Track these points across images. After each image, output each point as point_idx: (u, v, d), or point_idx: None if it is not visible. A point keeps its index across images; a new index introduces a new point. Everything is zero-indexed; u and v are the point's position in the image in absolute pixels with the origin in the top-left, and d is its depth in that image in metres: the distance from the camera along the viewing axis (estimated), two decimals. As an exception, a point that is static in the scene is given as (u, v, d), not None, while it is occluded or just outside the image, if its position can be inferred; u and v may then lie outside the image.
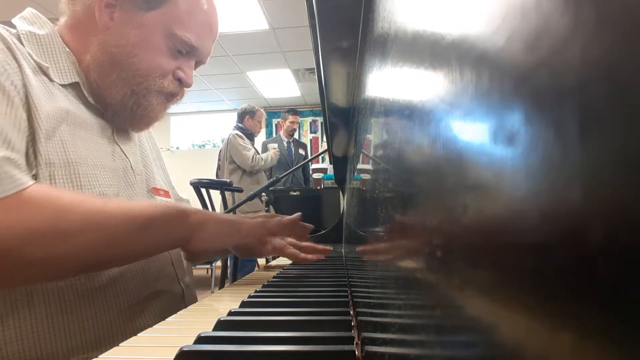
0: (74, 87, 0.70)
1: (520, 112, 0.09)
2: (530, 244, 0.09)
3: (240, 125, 3.80)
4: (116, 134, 0.76)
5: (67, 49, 0.71)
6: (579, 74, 0.07)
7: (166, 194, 0.87)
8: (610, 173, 0.06)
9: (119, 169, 0.73)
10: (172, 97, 0.78)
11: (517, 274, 0.10)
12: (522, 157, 0.09)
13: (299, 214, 0.92)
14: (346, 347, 0.39)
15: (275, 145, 4.03)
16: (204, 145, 7.03)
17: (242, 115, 3.84)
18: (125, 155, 0.76)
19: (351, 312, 0.52)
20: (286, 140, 4.27)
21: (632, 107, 0.06)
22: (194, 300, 0.84)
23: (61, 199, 0.55)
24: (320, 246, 1.01)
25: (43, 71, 0.66)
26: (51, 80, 0.66)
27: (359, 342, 0.41)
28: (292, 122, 4.25)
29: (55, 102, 0.64)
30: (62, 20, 0.74)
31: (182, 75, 0.77)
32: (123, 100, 0.73)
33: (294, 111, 4.29)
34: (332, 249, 1.05)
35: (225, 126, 6.80)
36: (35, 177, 0.58)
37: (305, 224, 0.98)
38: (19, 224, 0.52)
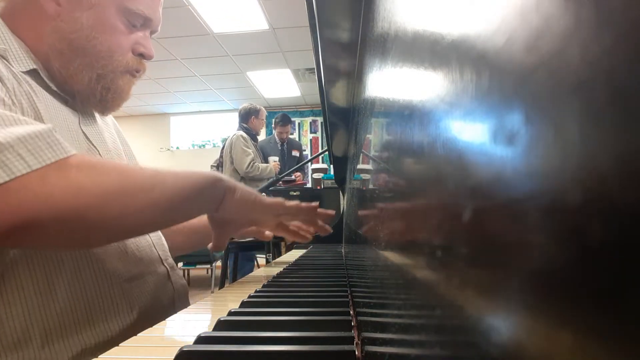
0: (32, 74, 0.68)
1: (520, 112, 0.09)
2: (530, 244, 0.09)
3: (245, 125, 3.74)
4: (82, 120, 0.75)
5: (16, 37, 0.69)
6: (579, 74, 0.07)
7: None
8: (610, 173, 0.06)
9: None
10: (136, 72, 0.77)
11: (517, 274, 0.10)
12: (522, 157, 0.09)
13: (316, 203, 0.91)
14: (346, 347, 0.39)
15: (277, 158, 3.97)
16: (203, 145, 7.03)
17: (248, 115, 3.77)
18: (92, 144, 0.75)
19: (351, 312, 0.52)
20: (279, 143, 4.23)
21: (631, 107, 0.06)
22: (180, 280, 0.84)
23: (114, 163, 0.57)
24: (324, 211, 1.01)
25: (2, 56, 0.64)
26: (10, 65, 0.65)
27: (359, 342, 0.41)
28: (280, 132, 4.17)
29: (24, 89, 0.63)
30: (2, 6, 0.72)
31: (142, 49, 0.76)
32: (90, 85, 0.72)
33: (284, 121, 4.14)
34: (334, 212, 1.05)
35: (225, 126, 6.80)
36: None
37: (327, 210, 0.97)
38: (92, 184, 0.53)
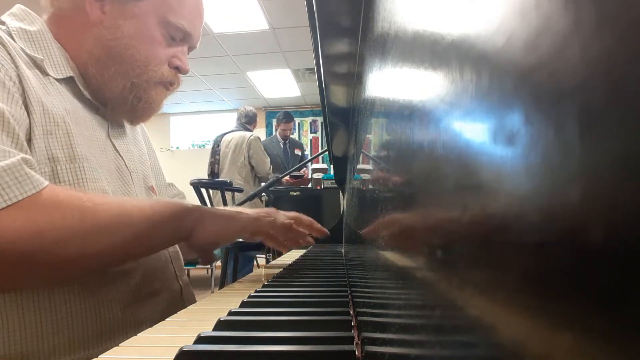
0: (68, 81, 0.69)
1: (520, 112, 0.09)
2: (530, 244, 0.09)
3: (249, 128, 3.78)
4: (111, 130, 0.76)
5: (59, 44, 0.70)
6: (579, 74, 0.07)
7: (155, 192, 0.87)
8: (610, 173, 0.06)
9: (113, 167, 0.73)
10: (170, 85, 0.78)
11: (517, 274, 0.10)
12: (522, 157, 0.09)
13: (293, 220, 0.89)
14: (346, 347, 0.39)
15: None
16: (203, 145, 7.03)
17: (251, 120, 3.82)
18: (119, 154, 0.75)
19: (351, 312, 0.52)
20: (282, 141, 4.28)
21: (631, 107, 0.06)
22: (192, 298, 0.84)
23: (82, 198, 0.56)
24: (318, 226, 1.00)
25: (37, 65, 0.65)
26: (46, 74, 0.66)
27: (359, 342, 0.41)
28: (284, 130, 4.23)
29: (52, 96, 0.64)
30: (45, 16, 0.73)
31: (178, 63, 0.76)
32: (123, 94, 0.73)
33: (287, 118, 4.22)
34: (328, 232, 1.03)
35: (225, 126, 6.80)
36: None
37: (320, 228, 0.97)
38: (47, 224, 0.52)
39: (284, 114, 4.26)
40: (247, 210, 0.83)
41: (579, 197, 0.07)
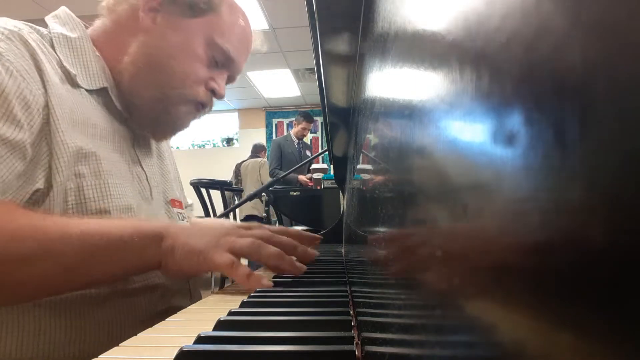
0: (100, 92, 0.69)
1: (520, 112, 0.09)
2: (530, 244, 0.09)
3: (260, 156, 4.72)
4: (136, 143, 0.75)
5: (97, 54, 0.70)
6: (579, 74, 0.07)
7: (180, 205, 0.85)
8: (610, 173, 0.06)
9: (135, 180, 0.72)
10: (202, 107, 0.77)
11: (517, 274, 0.10)
12: (522, 157, 0.09)
13: (279, 233, 0.74)
14: (346, 347, 0.39)
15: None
16: (203, 145, 7.03)
17: (259, 149, 4.84)
18: (142, 167, 0.75)
19: (351, 312, 0.52)
20: (296, 140, 4.44)
21: (631, 107, 0.06)
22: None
23: (17, 223, 0.53)
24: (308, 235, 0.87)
25: (71, 78, 0.65)
26: (78, 86, 0.66)
27: (359, 342, 0.41)
28: (304, 129, 4.58)
29: (82, 110, 0.64)
30: (99, 22, 0.73)
31: (215, 86, 0.76)
32: (151, 103, 0.72)
33: (309, 119, 4.50)
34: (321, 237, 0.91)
35: (225, 126, 6.80)
36: (50, 190, 0.57)
37: (310, 236, 0.86)
38: None
39: (305, 114, 4.62)
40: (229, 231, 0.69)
41: (579, 197, 0.07)
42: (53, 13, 0.71)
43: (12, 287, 0.53)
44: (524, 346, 0.09)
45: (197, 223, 0.85)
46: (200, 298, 0.84)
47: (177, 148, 6.96)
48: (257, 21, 4.02)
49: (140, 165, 0.75)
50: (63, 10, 0.72)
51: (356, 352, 0.38)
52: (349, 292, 0.67)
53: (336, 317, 0.50)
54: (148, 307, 0.68)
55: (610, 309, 0.06)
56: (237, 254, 0.65)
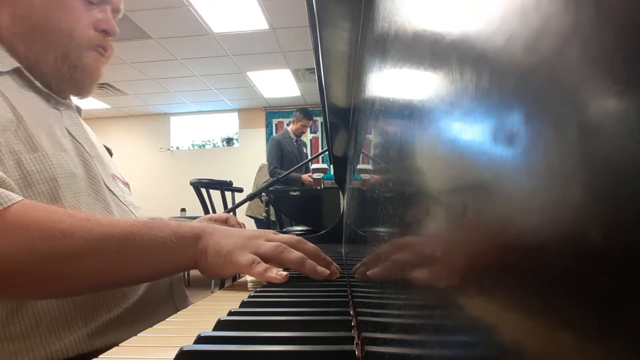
0: (13, 73, 0.67)
1: (520, 112, 0.09)
2: (530, 244, 0.09)
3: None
4: (66, 117, 0.74)
5: None
6: (579, 74, 0.07)
7: (124, 183, 0.84)
8: (610, 173, 0.06)
9: (75, 155, 0.71)
10: (103, 50, 0.75)
11: (516, 274, 0.10)
12: (522, 157, 0.09)
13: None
14: (346, 347, 0.39)
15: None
16: (203, 145, 7.03)
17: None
18: (79, 142, 0.73)
19: (351, 312, 0.52)
20: (295, 138, 4.39)
21: (631, 107, 0.06)
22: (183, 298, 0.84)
23: (55, 219, 0.54)
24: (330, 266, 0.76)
25: None
26: None
27: (359, 342, 0.41)
28: (303, 126, 4.46)
29: (8, 98, 0.63)
30: None
31: (104, 25, 0.74)
32: (57, 65, 0.71)
33: (308, 116, 4.41)
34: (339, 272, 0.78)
35: (226, 126, 6.80)
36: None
37: (326, 259, 0.75)
38: (12, 245, 0.51)
39: (304, 111, 4.47)
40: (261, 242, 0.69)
41: (579, 197, 0.07)
42: None
43: (62, 281, 0.56)
44: (523, 346, 0.09)
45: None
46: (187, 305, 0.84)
47: (177, 148, 6.96)
48: (257, 21, 4.02)
49: (77, 140, 0.73)
50: None
51: (356, 352, 0.38)
52: (349, 292, 0.67)
53: (336, 317, 0.50)
54: (131, 321, 0.68)
55: (610, 308, 0.06)
56: (261, 255, 0.67)
